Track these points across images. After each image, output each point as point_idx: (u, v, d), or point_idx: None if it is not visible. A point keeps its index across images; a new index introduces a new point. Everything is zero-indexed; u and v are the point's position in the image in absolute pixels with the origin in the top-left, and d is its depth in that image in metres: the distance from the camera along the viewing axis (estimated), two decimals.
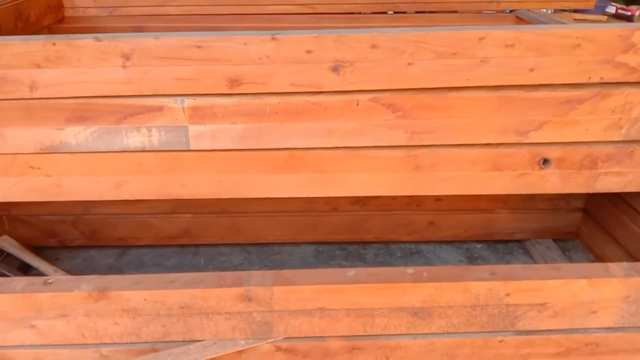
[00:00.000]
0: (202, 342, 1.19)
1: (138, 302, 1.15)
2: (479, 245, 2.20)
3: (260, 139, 1.42)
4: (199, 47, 1.30)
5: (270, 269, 2.05)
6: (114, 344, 1.20)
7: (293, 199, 1.97)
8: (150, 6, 2.38)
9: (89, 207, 1.97)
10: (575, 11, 3.93)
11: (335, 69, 1.34)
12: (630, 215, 1.77)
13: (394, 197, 2.02)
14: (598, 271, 1.27)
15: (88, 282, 1.14)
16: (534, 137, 1.46)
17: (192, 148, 1.42)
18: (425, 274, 1.18)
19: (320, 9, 2.45)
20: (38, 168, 1.42)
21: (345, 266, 2.08)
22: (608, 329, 1.37)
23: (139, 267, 2.04)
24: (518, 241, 2.22)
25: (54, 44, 1.27)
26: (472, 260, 2.11)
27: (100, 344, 1.20)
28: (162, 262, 2.07)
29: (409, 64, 1.35)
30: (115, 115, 1.36)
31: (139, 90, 1.34)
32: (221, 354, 1.17)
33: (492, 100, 1.41)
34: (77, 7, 2.37)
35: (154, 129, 1.38)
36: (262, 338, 1.21)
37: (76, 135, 1.38)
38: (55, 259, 2.02)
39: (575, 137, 1.46)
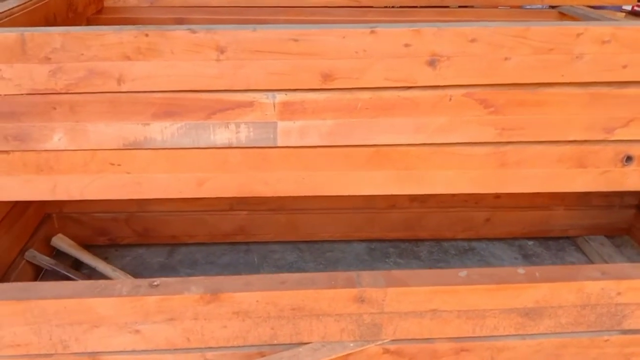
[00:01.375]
0: (310, 344, 1.16)
1: (250, 304, 1.11)
2: (530, 242, 2.19)
3: (348, 135, 1.38)
4: (296, 40, 1.25)
5: (325, 266, 2.02)
6: (220, 348, 1.16)
7: (353, 196, 1.93)
8: None
9: (144, 204, 1.91)
10: (590, 7, 3.94)
11: (431, 63, 1.31)
12: None
13: (454, 194, 1.99)
14: None
15: (198, 284, 1.10)
16: (619, 135, 1.44)
17: (279, 145, 1.37)
18: (537, 274, 1.16)
19: (364, 2, 2.41)
20: (118, 165, 1.36)
21: (400, 264, 2.06)
22: None
23: (192, 266, 1.99)
24: (568, 238, 2.21)
25: (146, 35, 1.22)
26: (527, 257, 2.11)
27: (205, 348, 1.16)
28: (214, 260, 2.03)
29: (506, 59, 1.32)
30: (204, 110, 1.31)
31: (231, 85, 1.29)
32: (332, 357, 1.14)
33: (583, 97, 1.39)
34: None
35: (242, 125, 1.34)
36: (370, 340, 1.18)
37: (162, 130, 1.33)
38: (104, 257, 1.96)
39: None
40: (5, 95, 1.25)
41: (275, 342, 1.16)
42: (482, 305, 1.16)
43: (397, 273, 1.16)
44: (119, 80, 1.26)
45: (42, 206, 1.83)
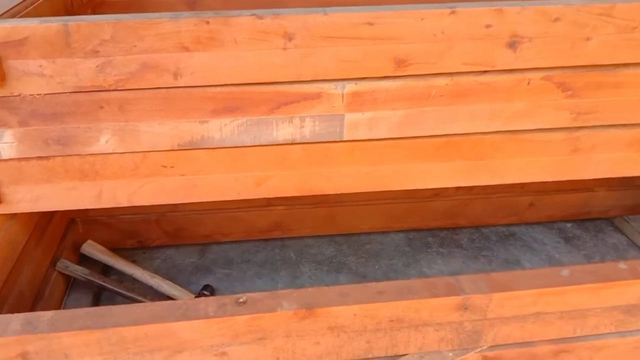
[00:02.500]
0: (407, 357, 1.07)
1: (346, 318, 1.01)
2: (569, 225, 2.15)
3: (418, 126, 1.28)
4: (370, 24, 1.14)
5: (366, 259, 1.94)
6: None
7: None
8: None
9: (176, 203, 1.78)
10: None
11: (511, 45, 1.21)
12: None
13: None
14: None
15: (289, 299, 0.99)
16: None
17: (345, 139, 1.27)
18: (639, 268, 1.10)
19: None
20: (171, 167, 1.24)
21: (443, 254, 1.99)
22: None
23: (228, 265, 1.88)
24: (605, 219, 2.17)
25: (207, 23, 1.08)
26: (568, 240, 2.06)
27: None
28: (250, 258, 1.92)
29: (588, 39, 1.23)
30: (267, 104, 1.19)
31: (298, 76, 1.17)
32: None
33: None
34: None
35: (307, 119, 1.22)
36: (469, 348, 1.10)
37: (221, 128, 1.20)
38: (132, 260, 1.83)
39: None
40: (46, 94, 1.11)
41: (369, 356, 1.08)
42: (585, 304, 1.09)
43: (497, 276, 1.08)
44: (176, 74, 1.13)
45: (67, 211, 1.68)
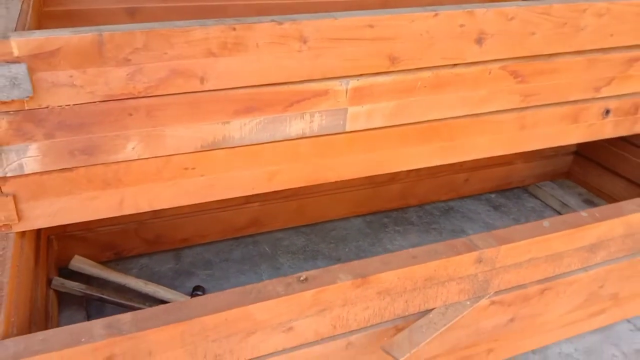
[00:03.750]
0: (435, 310, 1.24)
1: (391, 282, 1.15)
2: (493, 195, 2.48)
3: (406, 114, 1.46)
4: (371, 26, 1.29)
5: (335, 244, 2.09)
6: (360, 330, 1.19)
7: None
8: None
9: (159, 210, 1.78)
10: None
11: (478, 41, 1.44)
12: (632, 151, 2.18)
13: None
14: None
15: (343, 272, 1.10)
16: (604, 92, 1.72)
17: (347, 130, 1.41)
18: (597, 214, 1.37)
19: None
20: (193, 168, 1.29)
21: (399, 231, 2.20)
22: None
23: (207, 266, 1.92)
24: (519, 187, 2.54)
25: (234, 29, 1.16)
26: (497, 208, 2.38)
27: (348, 332, 1.18)
28: (227, 257, 1.98)
29: (533, 33, 1.50)
30: (282, 103, 1.29)
31: (309, 75, 1.29)
32: (457, 317, 1.24)
33: (582, 63, 1.63)
34: None
35: (316, 114, 1.35)
36: (481, 296, 1.30)
37: (241, 127, 1.28)
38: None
39: (629, 89, 1.76)
40: (75, 105, 1.11)
41: (406, 313, 1.23)
42: (561, 247, 1.34)
43: (499, 232, 1.28)
44: (202, 79, 1.19)
45: (47, 229, 1.61)
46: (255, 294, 1.04)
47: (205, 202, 1.82)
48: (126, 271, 1.87)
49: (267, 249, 2.02)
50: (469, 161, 2.24)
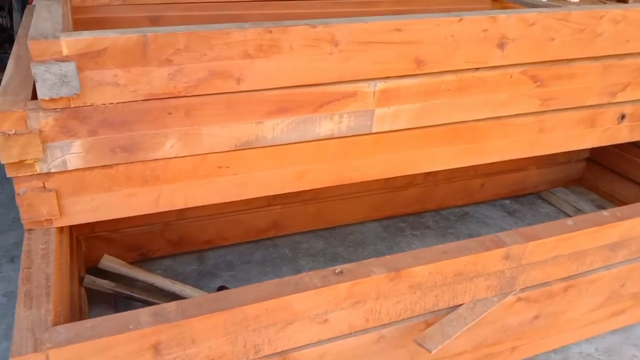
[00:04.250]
0: (464, 305, 1.27)
1: (423, 276, 1.18)
2: (507, 201, 2.51)
3: (430, 116, 1.50)
4: (399, 30, 1.34)
5: (354, 248, 2.12)
6: (392, 323, 1.21)
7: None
8: None
9: (183, 211, 1.82)
10: None
11: (500, 46, 1.48)
12: None
13: None
14: None
15: (377, 265, 1.14)
16: (619, 97, 1.77)
17: (374, 131, 1.45)
18: (618, 214, 1.41)
19: None
20: (226, 167, 1.33)
21: (416, 235, 2.23)
22: None
23: (229, 268, 1.95)
24: (533, 193, 2.57)
25: (270, 32, 1.21)
26: (511, 214, 2.41)
27: (380, 326, 1.20)
28: (248, 259, 2.01)
29: (552, 39, 1.54)
30: (313, 104, 1.34)
31: (340, 77, 1.33)
32: (486, 312, 1.26)
33: (598, 68, 1.67)
34: None
35: (345, 115, 1.39)
36: (507, 292, 1.32)
37: (273, 128, 1.32)
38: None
39: None
40: (118, 103, 1.15)
41: (436, 308, 1.26)
42: (585, 245, 1.37)
43: (525, 230, 1.32)
44: (239, 80, 1.23)
45: (75, 230, 1.65)
46: (293, 285, 1.08)
47: (228, 205, 1.87)
48: (151, 272, 1.90)
49: (287, 252, 2.06)
50: (483, 167, 2.30)
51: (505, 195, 2.46)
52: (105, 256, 1.61)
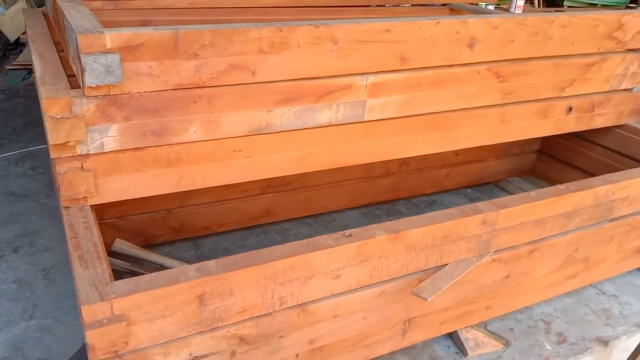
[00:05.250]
0: (449, 265, 1.47)
1: (417, 238, 1.38)
2: (469, 190, 2.77)
3: (413, 107, 1.72)
4: (388, 30, 1.55)
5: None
6: (391, 280, 1.41)
7: (355, 167, 2.24)
8: None
9: (185, 199, 1.96)
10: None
11: (470, 46, 1.72)
12: (587, 146, 2.53)
13: (425, 155, 2.44)
14: None
15: (380, 229, 1.33)
16: (567, 92, 2.05)
17: (365, 119, 1.65)
18: (572, 187, 1.67)
19: (307, 2, 2.71)
20: (240, 151, 1.49)
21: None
22: None
23: (226, 252, 2.09)
24: (490, 183, 2.84)
25: (281, 31, 1.39)
26: (474, 201, 2.65)
27: (381, 282, 1.40)
28: (242, 244, 2.16)
29: (512, 40, 1.80)
30: (314, 95, 1.53)
31: (338, 71, 1.53)
32: (467, 271, 1.48)
33: (550, 67, 1.95)
34: None
35: (341, 105, 1.58)
36: (484, 254, 1.55)
37: (281, 115, 1.50)
38: (135, 260, 1.96)
39: (587, 90, 2.10)
40: (151, 92, 1.31)
41: (426, 267, 1.46)
42: (545, 214, 1.62)
43: (497, 200, 1.55)
44: (254, 73, 1.41)
45: None
46: (312, 245, 1.26)
47: (226, 192, 2.04)
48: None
49: (277, 237, 2.22)
50: (449, 157, 2.55)
51: (467, 185, 2.72)
52: (118, 240, 1.74)
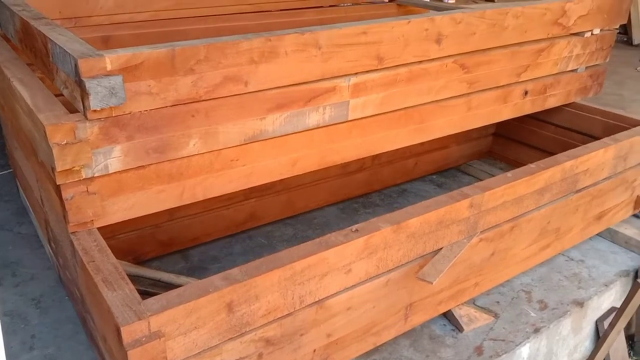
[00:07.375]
0: (444, 249, 1.57)
1: (416, 226, 1.47)
2: (434, 176, 2.91)
3: (390, 103, 1.81)
4: (365, 33, 1.63)
5: (320, 231, 2.37)
6: (395, 268, 1.48)
7: (334, 165, 2.31)
8: (116, 14, 2.32)
9: (173, 212, 1.96)
10: None
11: (437, 41, 1.83)
12: (539, 125, 2.71)
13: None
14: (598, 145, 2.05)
15: (383, 221, 1.40)
16: (523, 77, 2.20)
17: (349, 119, 1.72)
18: (542, 164, 1.81)
19: (265, 7, 2.75)
20: (236, 159, 1.53)
21: (368, 213, 2.54)
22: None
23: (215, 261, 2.11)
24: (453, 168, 2.99)
25: (269, 40, 1.44)
26: (440, 186, 2.81)
27: (387, 271, 1.47)
28: (230, 251, 2.19)
29: (473, 33, 1.93)
30: (303, 99, 1.58)
31: (323, 75, 1.59)
32: (461, 252, 1.58)
33: (507, 55, 2.09)
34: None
35: (327, 107, 1.65)
36: (472, 235, 1.66)
37: (273, 122, 1.55)
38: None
39: (539, 74, 2.26)
40: (151, 109, 1.32)
41: (424, 253, 1.55)
42: (522, 192, 1.75)
43: (482, 184, 1.66)
44: (246, 83, 1.45)
45: None
46: (324, 243, 1.32)
47: (210, 202, 2.06)
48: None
49: (263, 241, 2.26)
50: (416, 147, 2.67)
51: (433, 171, 2.85)
52: None
